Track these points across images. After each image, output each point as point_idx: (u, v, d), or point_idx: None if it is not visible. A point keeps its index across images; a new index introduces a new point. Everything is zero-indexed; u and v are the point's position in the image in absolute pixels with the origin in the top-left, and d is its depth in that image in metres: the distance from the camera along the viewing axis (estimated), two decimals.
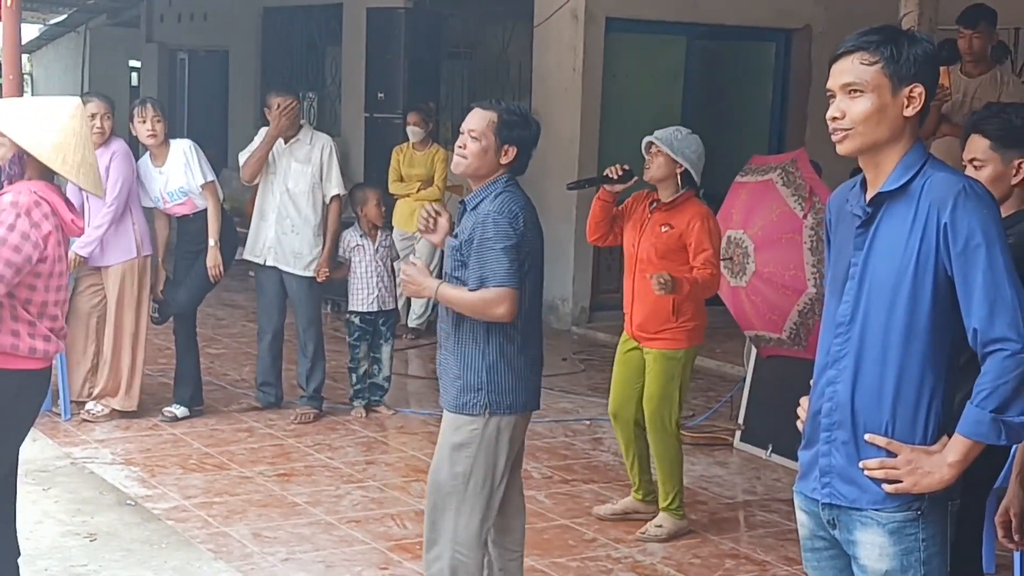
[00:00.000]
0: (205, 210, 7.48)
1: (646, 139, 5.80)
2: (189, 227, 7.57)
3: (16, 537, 4.34)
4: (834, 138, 2.93)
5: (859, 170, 3.02)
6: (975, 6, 7.68)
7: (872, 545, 2.91)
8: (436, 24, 11.93)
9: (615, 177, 5.76)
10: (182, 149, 7.42)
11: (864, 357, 2.91)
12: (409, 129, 10.07)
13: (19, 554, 4.33)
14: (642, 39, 11.20)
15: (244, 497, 6.27)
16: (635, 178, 5.79)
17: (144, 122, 7.39)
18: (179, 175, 7.41)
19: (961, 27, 7.61)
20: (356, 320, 7.82)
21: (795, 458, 3.13)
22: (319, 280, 7.70)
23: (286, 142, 7.69)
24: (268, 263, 7.71)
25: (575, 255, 10.58)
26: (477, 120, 4.36)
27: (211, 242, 7.43)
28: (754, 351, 7.36)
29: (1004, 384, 2.74)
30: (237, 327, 10.56)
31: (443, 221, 4.53)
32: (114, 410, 7.50)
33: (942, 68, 7.42)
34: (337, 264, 7.76)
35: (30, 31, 20.06)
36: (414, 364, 9.51)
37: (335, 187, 7.66)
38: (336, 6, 13.77)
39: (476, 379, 4.31)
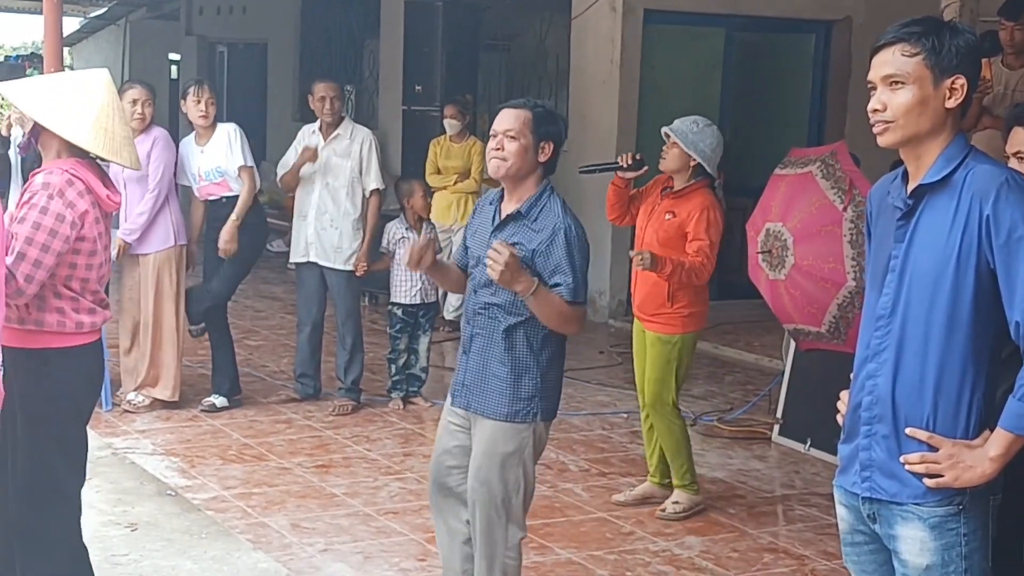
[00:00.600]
0: (237, 197, 7.45)
1: (663, 129, 5.88)
2: (220, 212, 7.54)
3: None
4: (875, 130, 2.91)
5: (900, 163, 3.00)
6: None
7: (913, 540, 2.89)
8: (473, 16, 11.93)
9: (626, 165, 5.89)
10: (227, 131, 7.46)
11: (905, 350, 2.89)
12: (446, 122, 10.08)
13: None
14: (680, 31, 11.16)
15: (283, 488, 6.30)
16: (646, 167, 5.91)
17: (199, 102, 7.45)
18: (219, 155, 7.43)
19: (1003, 19, 7.53)
20: (399, 312, 7.84)
21: (834, 452, 3.11)
22: (358, 275, 7.72)
23: (325, 138, 7.71)
24: (310, 259, 7.74)
25: (612, 249, 10.57)
26: (511, 120, 4.21)
27: (232, 216, 7.39)
28: (793, 344, 7.32)
29: None
30: (276, 319, 10.61)
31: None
32: (155, 400, 7.55)
33: (984, 60, 7.36)
34: (378, 256, 7.78)
35: (71, 24, 20.22)
36: (450, 356, 9.53)
37: (374, 181, 7.67)
38: None
39: (532, 386, 4.19)
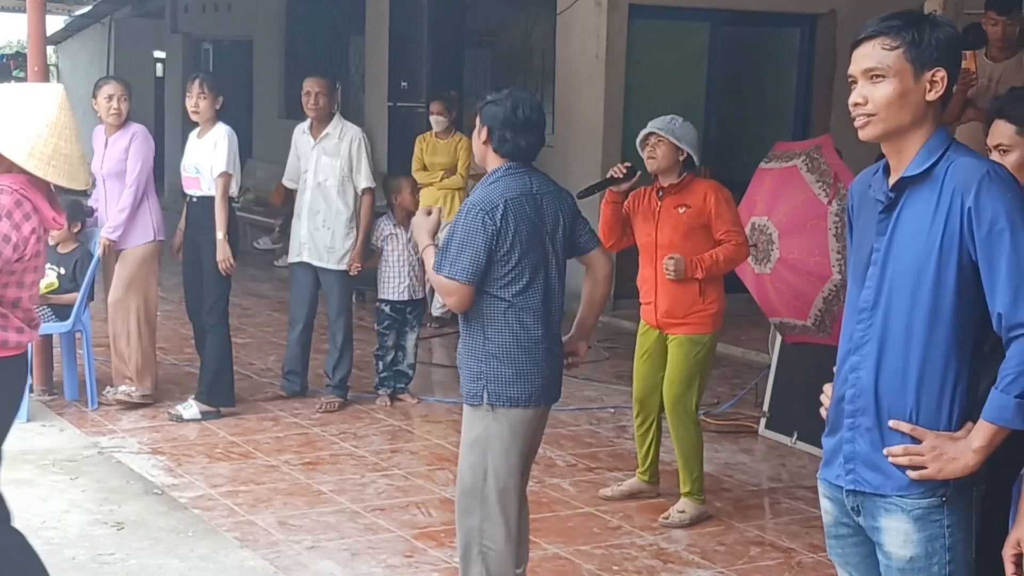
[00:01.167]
0: (210, 198, 7.31)
1: (643, 132, 5.83)
2: (192, 211, 7.48)
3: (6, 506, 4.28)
4: (856, 124, 2.91)
5: (884, 156, 3.00)
6: None
7: (897, 532, 2.90)
8: (459, 12, 11.93)
9: (620, 176, 5.78)
10: (222, 132, 7.34)
11: (887, 343, 2.89)
12: (432, 118, 10.08)
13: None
14: (666, 25, 11.17)
15: (270, 486, 6.30)
16: (639, 173, 5.81)
17: (191, 97, 7.41)
18: (204, 153, 7.37)
19: (994, 13, 7.53)
20: (386, 309, 7.83)
21: (820, 445, 3.12)
22: (352, 274, 7.71)
23: (316, 136, 7.69)
24: (303, 259, 7.72)
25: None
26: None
27: (219, 235, 7.26)
28: (779, 338, 7.34)
29: None
30: (263, 316, 10.60)
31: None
32: (132, 395, 7.47)
33: (968, 52, 7.37)
34: (368, 253, 7.76)
35: (55, 22, 20.13)
36: (438, 353, 9.53)
37: (364, 180, 7.64)
38: None
39: (478, 368, 4.30)
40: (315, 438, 7.16)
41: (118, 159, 7.33)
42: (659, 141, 5.79)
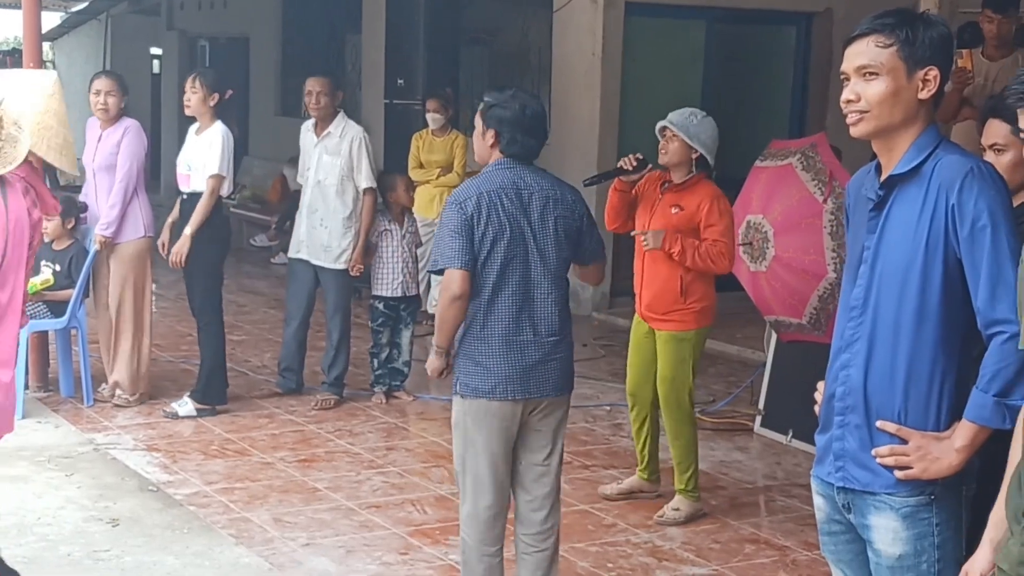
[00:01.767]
0: (200, 195, 7.27)
1: (660, 124, 5.79)
2: (184, 207, 7.44)
3: None
4: (849, 120, 2.92)
5: None
6: None
7: (886, 529, 2.91)
8: (455, 10, 11.93)
9: (630, 168, 5.75)
10: (218, 132, 7.28)
11: (876, 341, 2.90)
12: (429, 116, 10.07)
13: None
14: (662, 23, 11.17)
15: (265, 483, 6.30)
16: (650, 166, 5.79)
17: (185, 92, 7.42)
18: (198, 151, 7.35)
19: (991, 11, 7.54)
20: (380, 306, 7.83)
21: (815, 443, 3.13)
22: (353, 275, 7.71)
23: (319, 135, 7.69)
24: (301, 256, 7.72)
25: None
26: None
27: (187, 230, 7.20)
28: (775, 336, 7.34)
29: (1006, 367, 2.74)
30: (259, 314, 10.59)
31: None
32: (141, 393, 7.48)
33: (965, 51, 7.38)
34: (366, 251, 7.75)
35: (52, 19, 20.12)
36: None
37: (365, 180, 7.63)
38: None
39: (457, 360, 4.46)
40: (310, 435, 7.16)
41: (110, 152, 7.32)
42: (673, 136, 5.75)
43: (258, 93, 16.57)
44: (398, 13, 11.65)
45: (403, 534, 5.65)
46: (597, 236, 4.60)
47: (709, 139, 5.76)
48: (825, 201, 6.60)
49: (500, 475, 4.45)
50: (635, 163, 5.74)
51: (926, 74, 2.86)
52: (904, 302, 2.86)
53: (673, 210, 5.75)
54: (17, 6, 7.73)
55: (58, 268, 7.53)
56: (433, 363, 4.49)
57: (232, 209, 9.94)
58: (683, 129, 5.71)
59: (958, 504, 2.92)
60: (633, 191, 5.90)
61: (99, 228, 7.26)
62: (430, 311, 10.11)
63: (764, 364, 7.64)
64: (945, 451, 2.82)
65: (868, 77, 2.87)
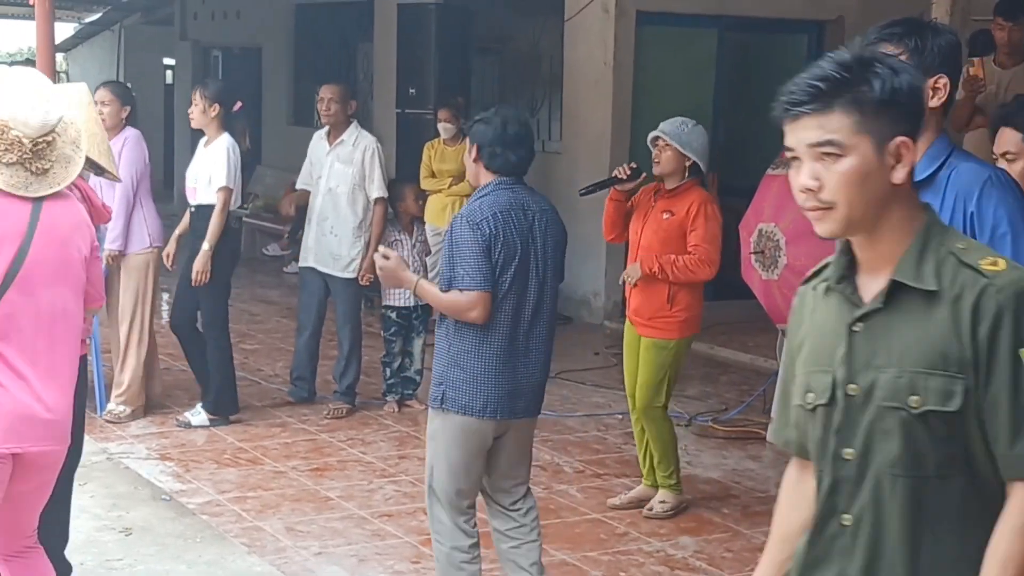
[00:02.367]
0: (206, 207, 7.26)
1: (652, 134, 5.85)
2: (193, 220, 7.43)
3: None
4: None
5: None
6: None
7: None
8: (466, 20, 11.93)
9: (624, 177, 5.83)
10: (224, 145, 7.29)
11: None
12: (440, 126, 10.10)
13: None
14: (673, 32, 11.16)
15: (277, 492, 6.31)
16: (644, 175, 5.87)
17: (190, 105, 7.44)
18: (204, 163, 7.35)
19: (1002, 19, 7.53)
20: (392, 315, 7.85)
21: None
22: (363, 284, 7.72)
23: (331, 143, 7.72)
24: (310, 264, 7.74)
25: (607, 249, 10.56)
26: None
27: (204, 245, 7.17)
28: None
29: None
30: (271, 323, 10.61)
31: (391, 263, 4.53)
32: (122, 416, 7.40)
33: (976, 59, 7.37)
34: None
35: (65, 30, 20.20)
36: None
37: (377, 190, 7.65)
38: (367, 3, 13.80)
39: (440, 372, 4.40)
40: (323, 444, 7.18)
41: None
42: (666, 145, 5.81)
43: (270, 103, 16.61)
44: (410, 22, 11.67)
45: (415, 543, 5.65)
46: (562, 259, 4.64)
47: (701, 146, 5.86)
48: None
49: (474, 489, 4.52)
50: (629, 172, 5.82)
51: (936, 82, 2.87)
52: None
53: (664, 216, 5.84)
54: (31, 17, 7.77)
55: None
56: (397, 273, 4.49)
57: (244, 219, 9.92)
58: (676, 138, 5.78)
59: None
60: (629, 203, 5.95)
61: (108, 242, 7.20)
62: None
63: (776, 372, 7.61)
64: None
65: None
